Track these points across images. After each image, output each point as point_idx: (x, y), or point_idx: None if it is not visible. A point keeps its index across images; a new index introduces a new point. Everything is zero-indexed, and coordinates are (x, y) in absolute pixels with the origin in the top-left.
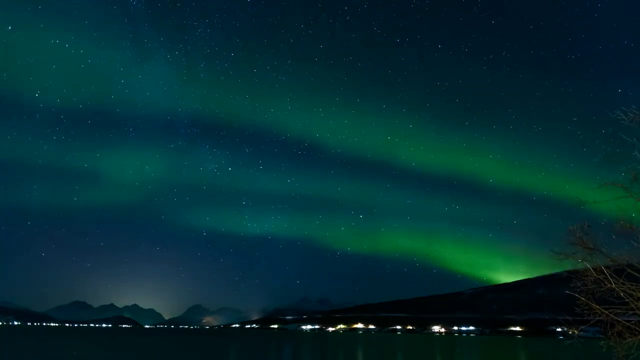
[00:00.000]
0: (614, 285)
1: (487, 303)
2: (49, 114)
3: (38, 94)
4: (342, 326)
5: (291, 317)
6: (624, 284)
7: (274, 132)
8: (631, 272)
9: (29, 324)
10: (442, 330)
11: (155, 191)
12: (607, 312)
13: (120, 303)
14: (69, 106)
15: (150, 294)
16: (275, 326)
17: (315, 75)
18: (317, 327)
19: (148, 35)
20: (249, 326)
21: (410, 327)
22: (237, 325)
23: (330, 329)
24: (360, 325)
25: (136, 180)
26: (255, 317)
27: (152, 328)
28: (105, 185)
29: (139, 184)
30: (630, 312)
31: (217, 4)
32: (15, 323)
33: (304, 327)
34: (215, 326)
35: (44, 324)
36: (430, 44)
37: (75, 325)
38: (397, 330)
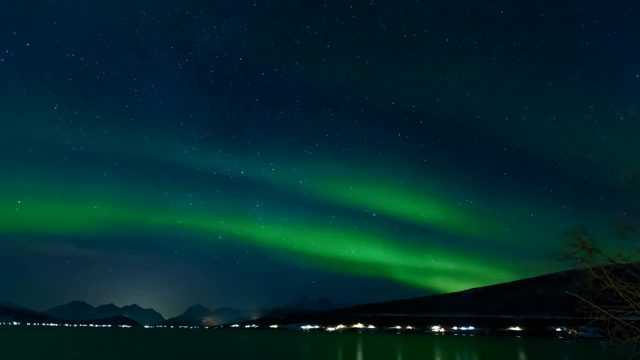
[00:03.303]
0: (613, 285)
1: (487, 303)
2: (68, 126)
3: (57, 107)
4: (341, 326)
5: (291, 317)
6: (623, 284)
7: (284, 134)
8: (630, 272)
9: (28, 324)
10: (442, 330)
11: (171, 197)
12: (606, 312)
13: (120, 303)
14: (86, 117)
15: (150, 294)
16: (275, 326)
17: (323, 75)
18: (316, 327)
19: (158, 44)
20: (248, 326)
21: (410, 327)
22: (236, 325)
23: (330, 329)
24: (360, 325)
25: (152, 187)
26: (255, 317)
27: (152, 328)
28: (123, 193)
29: (155, 191)
30: (630, 312)
31: (224, 10)
32: (15, 323)
33: (303, 327)
34: (215, 326)
35: (44, 324)
36: (438, 38)
37: (75, 325)
38: (396, 330)
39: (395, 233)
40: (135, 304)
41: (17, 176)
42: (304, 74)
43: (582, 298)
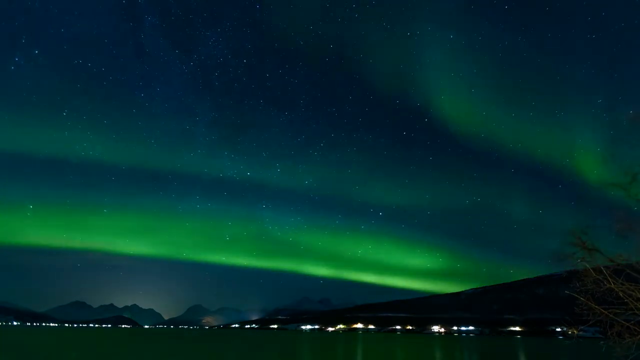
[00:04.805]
0: (613, 286)
1: (487, 303)
2: (77, 131)
3: (65, 113)
4: (342, 326)
5: (291, 317)
6: (623, 284)
7: (289, 135)
8: (630, 272)
9: (28, 324)
10: (442, 330)
11: (179, 199)
12: (606, 312)
13: (120, 303)
14: (94, 122)
15: (150, 294)
16: (275, 326)
17: (326, 75)
18: (316, 327)
19: (163, 49)
20: (248, 326)
21: (410, 327)
22: (236, 325)
23: (330, 329)
24: (360, 325)
25: (160, 190)
26: (255, 317)
27: (152, 328)
28: (131, 196)
29: (163, 194)
30: (630, 312)
31: (227, 12)
32: (15, 323)
33: (303, 327)
34: (215, 326)
35: (44, 324)
36: (442, 35)
37: (75, 325)
38: (396, 330)
39: (401, 232)
40: (135, 304)
41: (28, 181)
42: (308, 75)
43: (582, 298)
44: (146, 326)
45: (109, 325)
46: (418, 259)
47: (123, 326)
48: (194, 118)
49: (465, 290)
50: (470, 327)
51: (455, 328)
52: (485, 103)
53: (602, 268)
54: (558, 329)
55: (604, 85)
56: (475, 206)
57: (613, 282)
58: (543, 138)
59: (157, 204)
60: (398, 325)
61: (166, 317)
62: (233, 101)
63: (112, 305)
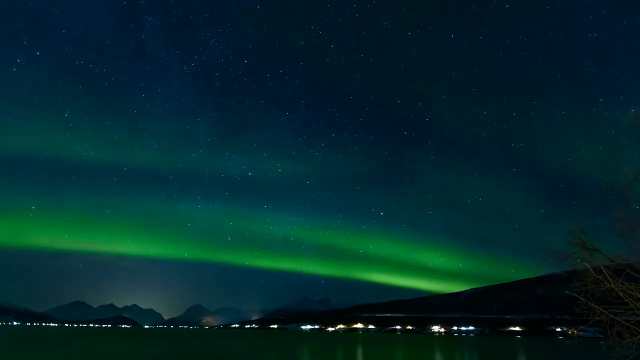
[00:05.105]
0: (613, 286)
1: (487, 303)
2: (78, 132)
3: (67, 114)
4: (342, 326)
5: (291, 317)
6: (623, 284)
7: (290, 135)
8: (630, 272)
9: (28, 324)
10: (442, 330)
11: (180, 200)
12: (606, 312)
13: (120, 303)
14: (96, 123)
15: (150, 294)
16: (275, 326)
17: (327, 75)
18: (316, 327)
19: (164, 49)
20: (248, 326)
21: (410, 327)
22: (236, 325)
23: (330, 329)
24: (360, 325)
25: (162, 191)
26: (255, 317)
27: (152, 328)
28: (133, 196)
29: (164, 194)
30: (630, 312)
31: (228, 13)
32: (15, 323)
33: (303, 327)
34: (215, 326)
35: (44, 324)
36: (443, 35)
37: (75, 325)
38: (396, 330)
39: (401, 232)
40: (135, 304)
41: (30, 183)
42: (309, 75)
43: (582, 298)
44: (146, 326)
45: (109, 325)
46: (418, 259)
47: (123, 326)
48: (195, 118)
49: (465, 290)
50: (470, 327)
51: (455, 328)
52: (485, 103)
53: (602, 268)
54: (558, 329)
55: (605, 84)
56: (475, 206)
57: (613, 282)
58: (543, 138)
59: (159, 205)
60: (398, 325)
61: (166, 317)
62: (234, 101)
63: (112, 305)
